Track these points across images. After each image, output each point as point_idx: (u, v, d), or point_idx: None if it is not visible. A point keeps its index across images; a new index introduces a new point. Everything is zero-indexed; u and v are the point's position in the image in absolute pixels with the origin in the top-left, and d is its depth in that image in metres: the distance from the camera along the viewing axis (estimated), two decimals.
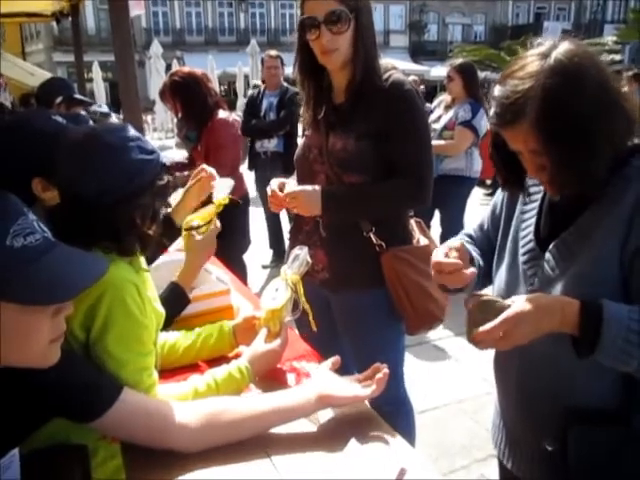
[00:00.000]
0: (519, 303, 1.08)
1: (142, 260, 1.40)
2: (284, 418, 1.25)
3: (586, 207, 1.15)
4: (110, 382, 1.13)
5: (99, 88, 16.67)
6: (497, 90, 1.11)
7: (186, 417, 1.16)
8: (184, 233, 1.67)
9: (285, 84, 5.10)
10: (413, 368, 3.52)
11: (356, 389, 1.29)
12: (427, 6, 35.80)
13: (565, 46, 1.08)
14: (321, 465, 1.15)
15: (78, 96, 3.32)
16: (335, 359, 1.40)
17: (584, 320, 1.06)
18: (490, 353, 1.30)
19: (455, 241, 1.30)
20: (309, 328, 2.10)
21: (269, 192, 1.85)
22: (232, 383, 1.36)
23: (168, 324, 1.55)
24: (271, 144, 4.96)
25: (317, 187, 1.78)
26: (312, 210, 1.78)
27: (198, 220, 1.67)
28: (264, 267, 5.35)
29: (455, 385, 3.43)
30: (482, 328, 1.08)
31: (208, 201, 1.81)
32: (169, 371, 1.49)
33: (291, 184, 1.86)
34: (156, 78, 15.63)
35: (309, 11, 1.71)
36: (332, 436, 1.25)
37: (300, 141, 2.01)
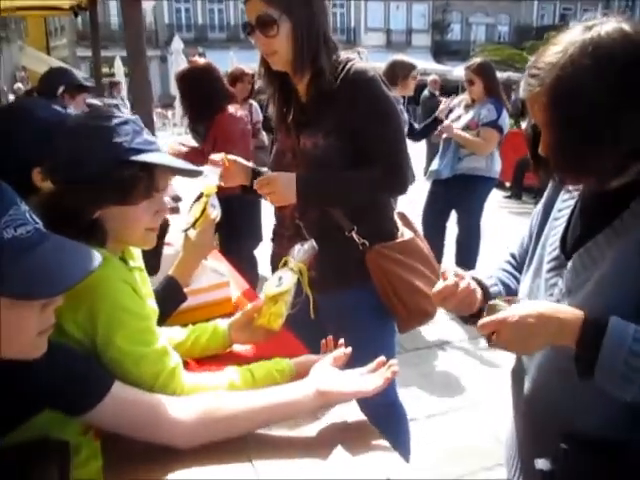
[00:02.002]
0: (514, 308, 1.04)
1: (136, 255, 1.38)
2: (281, 414, 1.20)
3: (616, 215, 1.07)
4: (101, 375, 1.11)
5: (121, 83, 16.78)
6: (534, 57, 1.06)
7: (180, 412, 1.13)
8: (182, 234, 1.64)
9: None
10: (421, 372, 3.47)
11: (358, 384, 1.23)
12: (450, 5, 35.52)
13: (613, 24, 0.98)
14: (304, 472, 1.10)
15: (81, 81, 3.23)
16: (339, 353, 1.33)
17: (582, 337, 0.99)
18: (494, 361, 1.26)
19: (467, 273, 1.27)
20: (301, 327, 2.04)
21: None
22: (270, 381, 1.32)
23: (163, 320, 1.51)
24: None
25: (292, 174, 1.72)
26: (287, 197, 1.71)
27: (193, 216, 1.64)
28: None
29: (461, 391, 3.37)
30: (479, 322, 1.06)
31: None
32: None
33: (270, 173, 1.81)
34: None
35: (247, 15, 1.70)
36: (318, 442, 1.20)
37: (274, 147, 1.95)
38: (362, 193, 1.78)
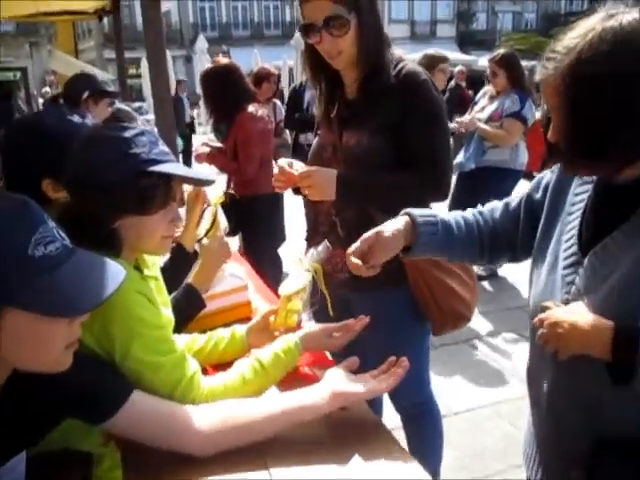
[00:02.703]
0: (560, 308, 1.06)
1: (153, 264, 1.39)
2: (298, 417, 1.20)
3: (633, 210, 1.05)
4: (120, 383, 1.13)
5: (147, 84, 16.98)
6: (553, 42, 1.05)
7: (198, 421, 1.14)
8: (196, 244, 1.66)
9: None
10: (448, 368, 3.43)
11: (372, 384, 1.24)
12: None
13: (635, 14, 0.99)
14: (321, 477, 1.10)
15: (104, 88, 3.30)
16: (352, 360, 1.35)
17: (618, 348, 0.97)
18: (522, 355, 1.24)
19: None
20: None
21: (276, 170, 1.77)
22: (279, 364, 1.33)
23: (182, 327, 1.53)
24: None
25: (333, 170, 1.70)
26: (326, 192, 1.69)
27: (204, 227, 1.66)
28: (300, 260, 5.33)
29: (490, 386, 3.32)
30: (536, 318, 1.08)
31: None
32: None
33: (298, 165, 1.78)
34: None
35: (308, 15, 1.65)
36: (335, 450, 1.19)
37: (315, 140, 1.93)
38: (403, 197, 1.73)
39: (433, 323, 1.87)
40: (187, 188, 1.76)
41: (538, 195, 1.33)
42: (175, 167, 1.22)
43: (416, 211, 1.39)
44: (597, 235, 1.10)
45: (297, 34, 16.57)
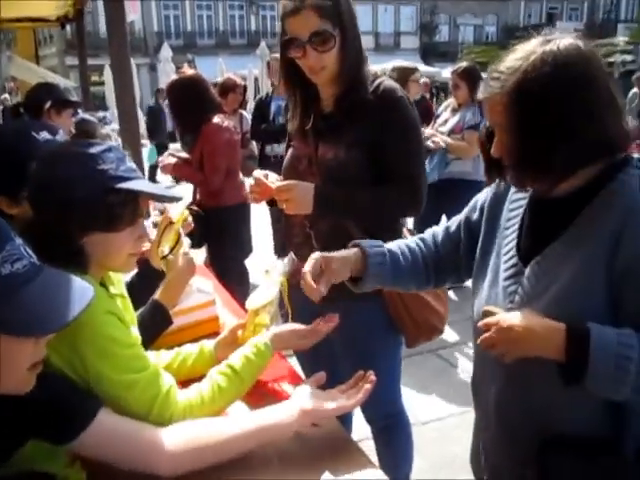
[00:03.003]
0: (510, 313, 1.08)
1: (119, 281, 1.37)
2: (267, 436, 1.20)
3: (570, 221, 1.11)
4: (86, 403, 1.10)
5: (110, 91, 16.73)
6: (494, 64, 1.12)
7: (166, 440, 1.12)
8: (161, 262, 1.64)
9: None
10: (415, 378, 3.46)
11: (340, 401, 1.24)
12: (438, 7, 35.62)
13: (570, 40, 1.07)
14: None
15: (67, 97, 3.25)
16: (319, 376, 1.35)
17: (570, 349, 1.00)
18: None
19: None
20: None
21: (251, 181, 1.76)
22: (252, 367, 1.32)
23: (149, 344, 1.50)
24: (281, 148, 4.93)
25: (311, 185, 1.71)
26: (303, 206, 1.69)
27: (168, 244, 1.65)
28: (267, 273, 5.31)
29: (458, 396, 3.35)
30: (481, 322, 1.11)
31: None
32: None
33: (274, 177, 1.78)
34: (166, 82, 15.63)
35: (292, 30, 1.65)
36: (304, 465, 1.19)
37: (289, 152, 1.93)
38: (378, 211, 1.77)
39: (407, 335, 1.88)
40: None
41: (475, 216, 1.39)
42: (143, 184, 1.21)
43: (365, 242, 1.43)
44: (537, 246, 1.16)
45: (262, 44, 16.67)
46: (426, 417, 3.07)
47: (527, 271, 1.17)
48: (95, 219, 1.15)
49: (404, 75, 4.30)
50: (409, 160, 1.73)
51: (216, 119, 3.39)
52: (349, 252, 1.40)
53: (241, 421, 1.21)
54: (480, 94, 1.14)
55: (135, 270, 1.70)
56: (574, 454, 1.10)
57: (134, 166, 1.22)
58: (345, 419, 2.13)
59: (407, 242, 1.50)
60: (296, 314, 1.95)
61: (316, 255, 1.37)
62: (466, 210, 1.44)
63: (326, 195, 1.71)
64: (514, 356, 1.08)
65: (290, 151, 1.92)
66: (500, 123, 1.11)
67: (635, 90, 9.02)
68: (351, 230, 1.76)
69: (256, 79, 16.70)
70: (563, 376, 1.03)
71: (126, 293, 1.38)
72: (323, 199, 1.70)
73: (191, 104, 3.34)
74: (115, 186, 1.14)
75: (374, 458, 2.09)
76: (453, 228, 1.46)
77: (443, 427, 3.03)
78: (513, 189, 1.28)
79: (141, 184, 1.20)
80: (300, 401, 1.24)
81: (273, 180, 1.74)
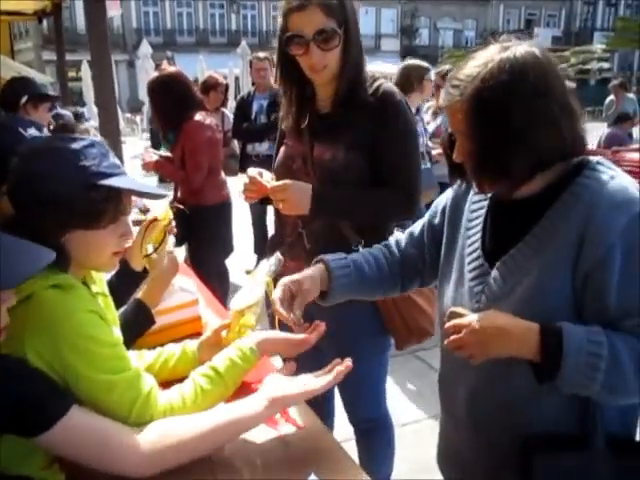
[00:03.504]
0: (481, 314, 1.08)
1: (100, 280, 1.35)
2: (236, 431, 1.19)
3: (534, 223, 1.14)
4: (58, 398, 1.07)
5: (88, 87, 16.50)
6: (454, 70, 1.15)
7: (135, 438, 1.09)
8: (144, 260, 1.61)
9: (275, 86, 5.04)
10: (394, 379, 3.46)
11: (309, 384, 1.23)
12: (419, 10, 35.89)
13: (527, 47, 1.10)
14: None
15: (44, 92, 3.23)
16: (290, 365, 1.33)
17: (544, 347, 1.03)
18: None
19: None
20: None
21: (246, 180, 1.73)
22: (236, 370, 1.30)
23: (130, 344, 1.46)
24: (262, 147, 4.92)
25: (309, 185, 1.69)
26: (300, 207, 1.67)
27: (152, 243, 1.62)
28: (248, 272, 5.28)
29: (436, 397, 3.36)
30: (447, 324, 1.11)
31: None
32: None
33: (268, 175, 1.76)
34: (145, 78, 15.43)
35: (295, 26, 1.62)
36: (288, 467, 1.18)
37: (281, 150, 1.91)
38: (374, 214, 1.77)
39: (397, 338, 1.87)
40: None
41: (437, 220, 1.43)
42: (126, 181, 1.18)
43: (329, 257, 1.46)
44: (502, 246, 1.18)
45: (243, 43, 16.59)
46: (404, 419, 3.07)
47: (493, 272, 1.19)
48: (76, 216, 1.12)
49: (420, 73, 4.27)
50: (405, 163, 1.73)
51: (198, 116, 3.37)
52: (315, 269, 1.43)
53: (211, 417, 1.18)
54: (441, 101, 1.17)
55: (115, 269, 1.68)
56: (553, 453, 1.12)
57: (118, 162, 1.20)
58: (327, 420, 2.12)
59: (372, 250, 1.53)
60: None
61: (284, 281, 1.38)
62: (428, 214, 1.47)
63: (324, 197, 1.69)
64: (484, 357, 1.09)
65: (283, 149, 1.89)
66: (460, 129, 1.14)
67: (611, 97, 9.16)
68: (344, 230, 1.75)
69: (237, 78, 16.62)
70: (536, 375, 1.05)
71: (108, 292, 1.35)
72: (320, 200, 1.68)
73: (173, 101, 3.32)
74: (97, 182, 1.12)
75: (356, 460, 2.09)
76: (416, 233, 1.50)
77: (422, 429, 3.04)
78: (473, 190, 1.31)
79: (124, 181, 1.17)
80: (267, 390, 1.23)
81: (267, 179, 1.71)
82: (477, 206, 1.30)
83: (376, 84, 1.73)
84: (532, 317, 1.06)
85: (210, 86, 4.95)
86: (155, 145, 7.44)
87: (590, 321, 1.06)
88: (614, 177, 1.09)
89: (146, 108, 15.73)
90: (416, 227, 1.51)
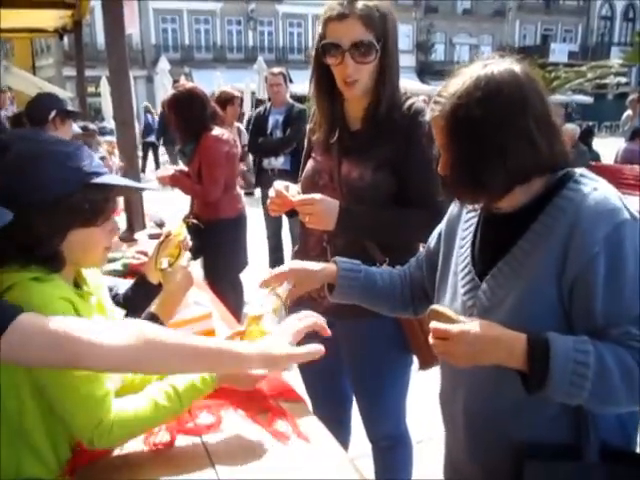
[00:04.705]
0: (471, 324, 1.08)
1: (97, 287, 1.37)
2: (219, 358, 1.16)
3: (520, 236, 1.15)
4: (6, 306, 1.03)
5: (107, 103, 16.74)
6: (441, 88, 1.18)
7: (104, 335, 1.04)
8: (159, 274, 1.65)
9: (291, 101, 5.09)
10: (415, 394, 3.42)
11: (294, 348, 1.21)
12: (434, 26, 36.04)
13: (506, 65, 1.13)
14: None
15: (70, 108, 3.32)
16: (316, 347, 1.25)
17: (532, 357, 1.03)
18: None
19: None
20: None
21: (272, 193, 1.71)
22: (194, 393, 1.29)
23: None
24: (278, 162, 4.96)
25: (336, 202, 1.67)
26: (326, 222, 1.65)
27: (167, 258, 1.65)
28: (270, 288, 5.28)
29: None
30: (432, 325, 1.11)
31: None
32: None
33: (294, 189, 1.74)
34: (162, 94, 15.65)
35: (333, 34, 1.60)
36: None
37: (309, 163, 1.89)
38: (399, 234, 1.74)
39: (420, 358, 1.83)
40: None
41: (433, 242, 1.47)
42: (115, 178, 1.27)
43: (342, 261, 1.51)
44: (491, 260, 1.21)
45: (260, 59, 16.76)
46: (419, 436, 3.03)
47: (483, 285, 1.21)
48: (77, 215, 1.18)
49: None
50: (433, 183, 1.71)
51: (216, 131, 3.40)
52: (326, 267, 1.50)
53: (200, 338, 1.21)
54: (426, 117, 1.23)
55: (131, 282, 1.70)
56: (546, 462, 1.13)
57: (101, 162, 1.28)
58: (342, 435, 2.10)
59: (393, 269, 1.57)
60: None
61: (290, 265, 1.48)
62: (430, 238, 1.50)
63: (350, 215, 1.67)
64: (470, 364, 1.10)
65: (311, 163, 1.87)
66: (442, 144, 1.18)
67: (628, 112, 9.10)
68: (369, 248, 1.73)
69: (253, 93, 16.78)
70: (525, 384, 1.06)
71: (107, 298, 1.40)
72: (347, 218, 1.66)
73: (192, 116, 3.35)
74: (91, 181, 1.17)
75: (371, 477, 2.06)
76: (420, 257, 1.53)
77: (437, 446, 2.99)
78: (466, 209, 1.34)
79: (115, 178, 1.26)
80: (269, 343, 1.22)
81: (294, 192, 1.70)
82: (468, 224, 1.33)
83: (408, 103, 1.70)
84: (520, 328, 1.07)
85: (226, 100, 4.97)
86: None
87: (578, 331, 1.08)
88: (597, 188, 1.11)
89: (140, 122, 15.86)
90: (421, 252, 1.54)
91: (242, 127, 5.37)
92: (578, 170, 1.16)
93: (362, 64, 1.60)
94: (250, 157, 5.29)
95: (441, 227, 1.45)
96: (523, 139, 1.09)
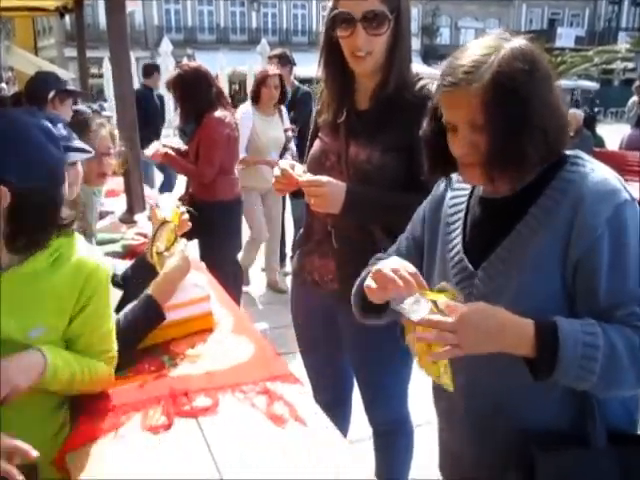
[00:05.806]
0: (471, 309, 1.04)
1: None
2: None
3: (518, 220, 1.12)
4: None
5: (109, 84, 16.65)
6: (451, 59, 1.12)
7: None
8: (155, 259, 1.65)
9: (296, 82, 5.01)
10: (413, 379, 3.42)
11: None
12: (440, 9, 35.67)
13: (523, 40, 1.11)
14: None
15: (70, 87, 3.29)
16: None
17: (541, 343, 1.01)
18: None
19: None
20: (307, 341, 1.97)
21: (277, 172, 1.67)
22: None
23: (140, 339, 1.50)
24: None
25: (344, 185, 1.62)
26: (332, 205, 1.60)
27: (163, 244, 1.66)
28: (263, 270, 5.26)
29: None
30: (429, 317, 1.04)
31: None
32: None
33: (299, 168, 1.69)
34: (165, 75, 15.51)
35: (344, 5, 1.55)
36: (292, 464, 1.16)
37: (315, 144, 1.84)
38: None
39: None
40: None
41: (418, 228, 1.39)
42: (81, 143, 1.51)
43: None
44: (486, 247, 1.17)
45: (263, 41, 16.59)
46: (419, 420, 3.03)
47: (479, 273, 1.17)
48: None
49: None
50: None
51: (218, 113, 3.36)
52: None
53: None
54: (441, 85, 1.12)
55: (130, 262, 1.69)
56: (555, 450, 1.10)
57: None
58: (343, 419, 2.10)
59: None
60: (309, 312, 1.92)
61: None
62: (407, 229, 1.43)
63: (357, 200, 1.62)
64: (473, 352, 1.05)
65: (318, 144, 1.83)
66: (469, 120, 1.08)
67: (634, 98, 9.00)
68: (374, 232, 1.69)
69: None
70: (533, 371, 1.04)
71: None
72: (353, 202, 1.61)
73: (196, 95, 3.32)
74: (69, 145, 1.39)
75: (371, 461, 2.05)
76: (403, 248, 1.43)
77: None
78: (450, 191, 1.29)
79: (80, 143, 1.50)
80: None
81: (299, 172, 1.65)
82: (455, 209, 1.28)
83: (420, 84, 1.65)
84: (524, 313, 1.05)
85: (259, 82, 4.34)
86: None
87: (582, 315, 1.06)
88: (594, 169, 1.11)
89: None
90: (402, 240, 1.44)
91: (284, 109, 4.90)
92: (571, 152, 1.15)
93: (374, 36, 1.55)
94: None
95: (422, 213, 1.38)
96: (555, 114, 1.08)
